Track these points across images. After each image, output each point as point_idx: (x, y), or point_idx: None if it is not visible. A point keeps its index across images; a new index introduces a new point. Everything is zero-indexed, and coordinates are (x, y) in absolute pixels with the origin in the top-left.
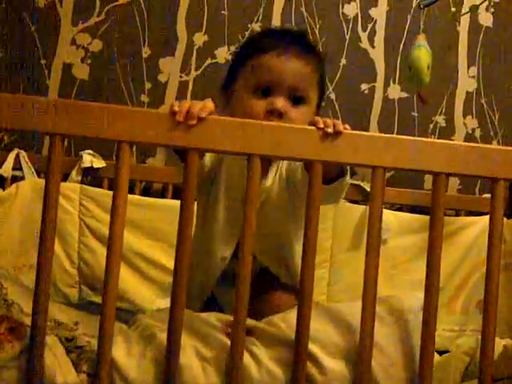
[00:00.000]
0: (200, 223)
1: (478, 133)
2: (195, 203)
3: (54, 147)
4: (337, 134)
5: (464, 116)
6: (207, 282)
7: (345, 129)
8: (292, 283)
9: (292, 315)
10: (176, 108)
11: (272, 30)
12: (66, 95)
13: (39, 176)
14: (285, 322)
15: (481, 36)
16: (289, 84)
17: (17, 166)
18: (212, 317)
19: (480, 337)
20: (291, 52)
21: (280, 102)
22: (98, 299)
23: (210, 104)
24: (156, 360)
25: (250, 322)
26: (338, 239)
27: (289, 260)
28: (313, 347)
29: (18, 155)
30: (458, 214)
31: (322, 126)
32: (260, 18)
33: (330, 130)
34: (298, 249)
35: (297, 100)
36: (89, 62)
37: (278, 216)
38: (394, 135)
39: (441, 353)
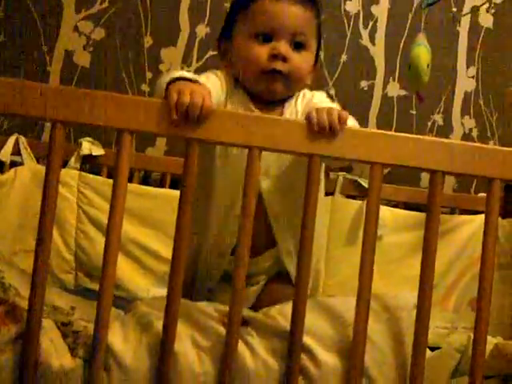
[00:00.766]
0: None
1: (475, 133)
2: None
3: (55, 134)
4: (333, 133)
5: (462, 116)
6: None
7: (341, 121)
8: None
9: (288, 307)
10: (174, 100)
11: None
12: (66, 82)
13: (38, 162)
14: (281, 313)
15: (481, 37)
16: (291, 29)
17: (16, 151)
18: (209, 306)
19: (471, 334)
20: None
21: (283, 47)
22: (93, 286)
23: (207, 103)
24: (152, 347)
25: (247, 312)
26: (334, 234)
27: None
28: (308, 340)
29: (17, 140)
30: (453, 213)
31: (316, 129)
32: None
33: (325, 132)
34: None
35: (298, 45)
36: (90, 49)
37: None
38: (393, 132)
39: (432, 349)
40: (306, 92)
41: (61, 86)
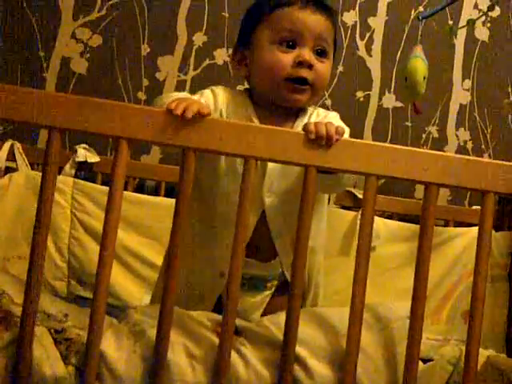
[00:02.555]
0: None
1: (469, 145)
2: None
3: (52, 141)
4: (329, 143)
5: (457, 128)
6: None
7: (338, 134)
8: None
9: (282, 317)
10: (173, 106)
11: None
12: (63, 89)
13: (33, 168)
14: (274, 323)
15: (476, 50)
16: (314, 36)
17: (11, 157)
18: (203, 316)
19: (464, 347)
20: (314, 6)
21: (308, 54)
22: (86, 294)
23: (206, 110)
24: (145, 355)
25: (240, 322)
26: (328, 245)
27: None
28: (301, 350)
29: (12, 146)
30: (447, 225)
31: (313, 136)
32: None
33: (321, 142)
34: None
35: (320, 53)
36: (87, 56)
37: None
38: (389, 144)
39: (425, 361)
40: (320, 111)
41: (58, 92)
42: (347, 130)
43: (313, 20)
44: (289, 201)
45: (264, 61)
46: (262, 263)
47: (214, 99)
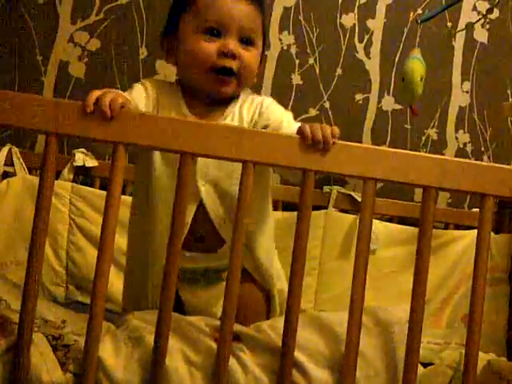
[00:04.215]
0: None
1: (469, 147)
2: None
3: (49, 146)
4: (326, 147)
5: (456, 130)
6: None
7: (333, 136)
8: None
9: (280, 322)
10: (89, 100)
11: None
12: (61, 93)
13: (30, 173)
14: (273, 328)
15: (475, 52)
16: (239, 25)
17: (9, 161)
18: (201, 321)
19: (464, 351)
20: None
21: (233, 44)
22: (84, 299)
23: (118, 99)
24: (143, 362)
25: (239, 327)
26: (327, 248)
27: (252, 243)
28: (299, 356)
29: (10, 151)
30: (446, 228)
31: (310, 142)
32: None
33: (319, 146)
34: (258, 230)
35: (246, 42)
36: (85, 60)
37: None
38: (387, 148)
39: (425, 365)
40: (254, 96)
41: (56, 98)
42: (289, 114)
43: (238, 9)
44: (225, 188)
45: (188, 50)
46: (212, 254)
47: (146, 92)
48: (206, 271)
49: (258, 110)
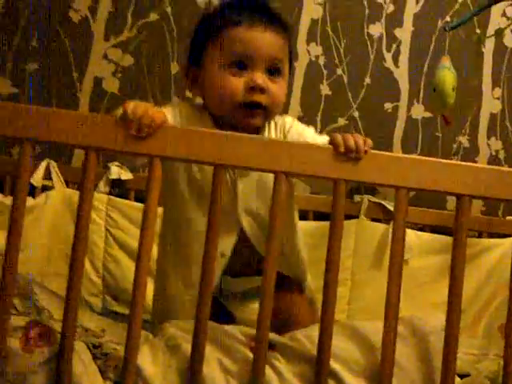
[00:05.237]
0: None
1: (501, 154)
2: None
3: (88, 161)
4: (357, 159)
5: (488, 137)
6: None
7: (366, 146)
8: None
9: (315, 331)
10: (130, 113)
11: (234, 2)
12: (95, 108)
13: (68, 186)
14: (307, 337)
15: (506, 57)
16: (266, 56)
17: (47, 175)
18: (236, 330)
19: (502, 361)
20: (263, 23)
21: (260, 78)
22: (120, 309)
23: (159, 117)
24: (180, 370)
25: (274, 336)
26: (359, 257)
27: (284, 247)
28: (335, 364)
29: (48, 165)
30: (480, 236)
31: (342, 150)
32: None
33: (352, 155)
34: (288, 233)
35: (273, 72)
36: (119, 76)
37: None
38: (418, 156)
39: (461, 376)
40: (278, 121)
41: (94, 113)
42: (312, 129)
43: (264, 39)
44: (265, 217)
45: (215, 86)
46: (251, 277)
47: (175, 115)
48: (246, 293)
49: (283, 133)
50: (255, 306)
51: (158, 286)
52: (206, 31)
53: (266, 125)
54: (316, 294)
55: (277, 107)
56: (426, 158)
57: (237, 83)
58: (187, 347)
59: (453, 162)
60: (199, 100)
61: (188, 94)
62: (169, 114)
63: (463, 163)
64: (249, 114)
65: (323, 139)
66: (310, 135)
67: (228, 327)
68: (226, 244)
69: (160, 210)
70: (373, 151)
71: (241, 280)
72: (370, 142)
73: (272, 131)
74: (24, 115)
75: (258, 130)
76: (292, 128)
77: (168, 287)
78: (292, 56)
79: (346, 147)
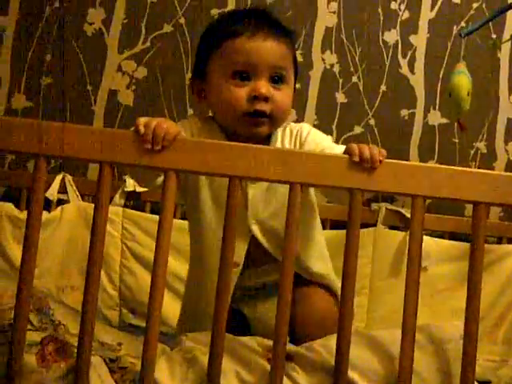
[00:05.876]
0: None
1: None
2: None
3: (103, 175)
4: (373, 168)
5: (506, 142)
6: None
7: (381, 157)
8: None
9: (332, 341)
10: (142, 129)
11: (236, 11)
12: (111, 121)
13: (83, 199)
14: (325, 347)
15: None
16: (268, 65)
17: (62, 189)
18: (253, 341)
19: None
20: (264, 32)
21: (264, 87)
22: (137, 322)
23: (173, 129)
24: (198, 383)
25: (290, 347)
26: (378, 266)
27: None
28: (352, 374)
29: (63, 178)
30: (499, 242)
31: (357, 159)
32: (301, 47)
33: (366, 165)
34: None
35: (277, 80)
36: (133, 88)
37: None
38: (434, 164)
39: (482, 383)
40: (292, 126)
41: (106, 126)
42: (329, 138)
43: (265, 49)
44: (275, 226)
45: (219, 97)
46: (265, 266)
47: (188, 129)
48: (265, 285)
49: (299, 141)
50: (264, 304)
51: (184, 299)
52: (209, 44)
53: (280, 132)
54: None
55: (282, 114)
56: (442, 166)
57: (240, 93)
58: (204, 359)
59: (468, 169)
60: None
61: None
62: (182, 129)
63: (479, 170)
64: (254, 123)
65: (340, 148)
66: (327, 144)
67: (244, 338)
68: (239, 252)
69: (179, 222)
70: (388, 160)
71: (251, 272)
72: (384, 152)
73: (287, 139)
74: (37, 131)
75: (270, 138)
76: (309, 136)
77: (191, 298)
78: (296, 63)
79: (360, 157)
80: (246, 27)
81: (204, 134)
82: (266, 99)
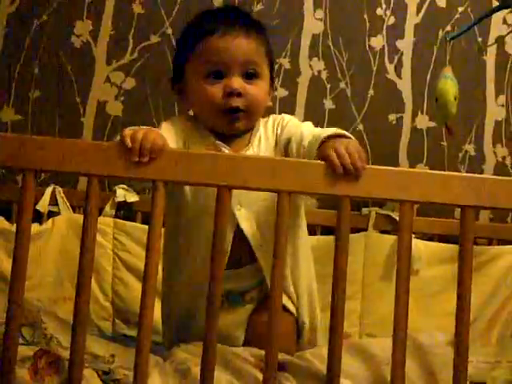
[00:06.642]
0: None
1: (508, 161)
2: None
3: (91, 188)
4: (357, 176)
5: (494, 145)
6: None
7: (362, 162)
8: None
9: (324, 350)
10: (129, 143)
11: (207, 11)
12: (100, 132)
13: (74, 211)
14: (317, 356)
15: (508, 64)
16: (239, 61)
17: (53, 201)
18: (246, 351)
19: None
20: (234, 29)
21: (236, 82)
22: (131, 332)
23: (159, 140)
24: None
25: (283, 356)
26: (370, 270)
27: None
28: (344, 381)
29: (54, 190)
30: (490, 243)
31: (341, 171)
32: (288, 54)
33: (350, 173)
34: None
35: (250, 76)
36: (122, 99)
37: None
38: (421, 170)
39: None
40: (274, 117)
41: (95, 137)
42: (310, 123)
43: (236, 45)
44: (260, 210)
45: (197, 97)
46: (237, 270)
47: (174, 129)
48: (230, 293)
49: (280, 127)
50: (227, 315)
51: (163, 309)
52: (183, 45)
53: (262, 124)
54: (324, 311)
55: (257, 107)
56: (428, 171)
57: (215, 91)
58: (197, 370)
59: (455, 173)
60: None
61: None
62: (168, 132)
63: (466, 174)
64: (231, 119)
65: (320, 130)
66: (305, 128)
67: (237, 349)
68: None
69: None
70: (376, 166)
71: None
72: (363, 155)
73: (269, 129)
74: (25, 146)
75: (252, 132)
76: (290, 122)
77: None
78: (272, 57)
79: (343, 169)
80: (218, 26)
81: (191, 133)
82: (239, 94)
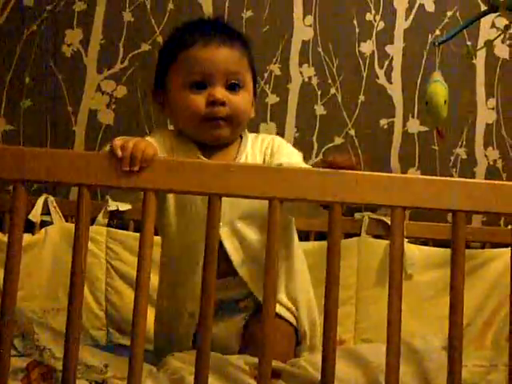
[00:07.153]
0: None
1: (499, 164)
2: None
3: (82, 198)
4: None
5: (485, 148)
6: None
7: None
8: None
9: (318, 357)
10: (119, 153)
11: (190, 23)
12: (92, 140)
13: (67, 220)
14: (311, 363)
15: (498, 68)
16: (222, 72)
17: (45, 211)
18: (240, 360)
19: None
20: (216, 40)
21: (219, 92)
22: (125, 341)
23: (150, 150)
24: None
25: (277, 364)
26: (363, 275)
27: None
28: None
29: (46, 200)
30: (484, 247)
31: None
32: (278, 60)
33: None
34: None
35: (233, 86)
36: (114, 107)
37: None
38: (412, 175)
39: None
40: (264, 136)
41: (87, 146)
42: (300, 155)
43: (219, 56)
44: (241, 229)
45: (179, 106)
46: (224, 279)
47: (159, 142)
48: (223, 302)
49: (270, 151)
50: (221, 324)
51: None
52: (166, 55)
53: (251, 139)
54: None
55: (240, 117)
56: (419, 176)
57: (197, 100)
58: (191, 379)
59: (446, 178)
60: None
61: None
62: (156, 143)
63: (457, 179)
64: (213, 126)
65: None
66: (296, 161)
67: (231, 357)
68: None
69: (156, 238)
70: (367, 172)
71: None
72: (353, 159)
73: (257, 146)
74: (14, 157)
75: (239, 147)
76: (280, 148)
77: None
78: (254, 67)
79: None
80: (200, 37)
81: (177, 143)
82: (222, 103)
